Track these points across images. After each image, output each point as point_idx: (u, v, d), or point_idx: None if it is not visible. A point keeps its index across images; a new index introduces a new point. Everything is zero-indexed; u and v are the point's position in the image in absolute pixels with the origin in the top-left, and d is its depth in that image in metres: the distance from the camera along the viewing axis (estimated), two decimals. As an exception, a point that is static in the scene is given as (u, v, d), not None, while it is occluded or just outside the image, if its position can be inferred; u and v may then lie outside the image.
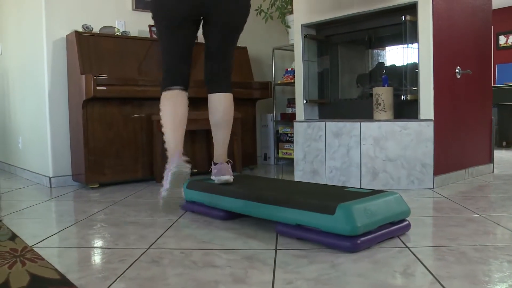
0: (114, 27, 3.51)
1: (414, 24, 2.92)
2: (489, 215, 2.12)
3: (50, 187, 3.36)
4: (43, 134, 3.46)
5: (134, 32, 3.71)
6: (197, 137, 3.72)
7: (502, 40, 8.66)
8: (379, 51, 3.61)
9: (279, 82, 4.32)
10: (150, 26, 3.73)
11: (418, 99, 2.90)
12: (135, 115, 3.41)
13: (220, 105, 2.25)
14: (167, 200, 1.85)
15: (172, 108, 2.05)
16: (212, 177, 2.32)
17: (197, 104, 3.67)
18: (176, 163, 1.85)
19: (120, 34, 3.49)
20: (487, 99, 3.52)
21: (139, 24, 3.76)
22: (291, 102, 4.30)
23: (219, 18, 2.17)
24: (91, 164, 3.21)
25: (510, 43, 8.60)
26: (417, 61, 2.92)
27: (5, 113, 4.53)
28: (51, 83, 3.38)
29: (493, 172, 3.56)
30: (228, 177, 2.24)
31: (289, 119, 4.22)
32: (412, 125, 2.86)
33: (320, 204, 1.68)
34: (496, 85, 6.93)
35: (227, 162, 2.31)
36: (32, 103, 3.71)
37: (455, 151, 3.10)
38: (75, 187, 3.31)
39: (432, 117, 2.85)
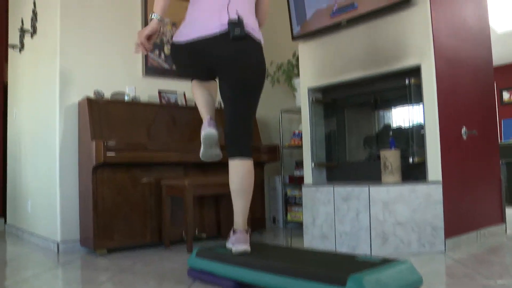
0: (125, 93, 3.59)
1: (419, 87, 2.97)
2: (505, 281, 2.07)
3: (58, 252, 3.33)
4: (53, 198, 3.48)
5: (144, 97, 3.80)
6: (206, 201, 3.71)
7: (506, 95, 8.77)
8: (385, 112, 3.66)
9: (286, 145, 4.36)
10: (159, 91, 3.83)
11: (426, 161, 2.91)
12: (144, 180, 3.42)
13: (239, 172, 2.25)
14: (204, 157, 2.37)
15: (201, 90, 2.47)
16: (230, 245, 2.29)
17: (205, 169, 3.69)
18: (206, 129, 2.28)
19: (130, 99, 3.58)
20: (495, 157, 3.52)
21: (149, 89, 3.86)
22: (299, 164, 4.32)
23: (232, 78, 2.24)
24: (99, 229, 3.20)
25: (514, 98, 8.70)
26: (423, 122, 2.95)
27: (16, 177, 4.58)
28: (62, 148, 3.44)
29: (506, 232, 3.50)
30: (245, 248, 2.20)
31: (297, 182, 4.22)
32: (420, 187, 2.85)
33: (331, 275, 1.66)
34: (503, 142, 6.94)
35: (246, 230, 2.27)
36: (42, 167, 3.75)
37: (465, 212, 3.07)
38: (83, 253, 3.28)
39: (440, 179, 2.84)
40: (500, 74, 8.10)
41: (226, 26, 2.18)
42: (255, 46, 2.26)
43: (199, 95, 2.48)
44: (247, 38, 2.20)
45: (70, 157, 3.46)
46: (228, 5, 2.23)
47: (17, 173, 4.54)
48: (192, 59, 2.32)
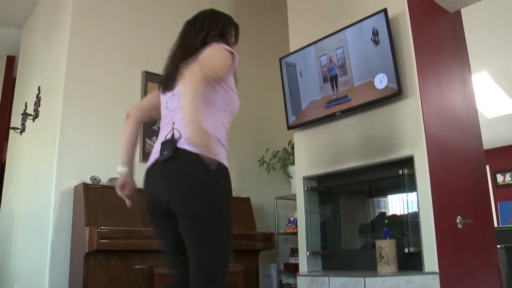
0: (121, 178, 3.61)
1: (412, 176, 3.00)
2: None
3: None
4: (41, 284, 3.39)
5: (140, 183, 3.79)
6: None
7: (500, 178, 8.85)
8: (380, 200, 3.67)
9: (282, 231, 4.33)
10: (156, 177, 3.85)
11: (422, 251, 2.88)
12: (137, 267, 3.37)
13: None
14: None
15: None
16: None
17: None
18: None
19: (127, 185, 3.59)
20: (492, 244, 3.49)
21: (146, 175, 3.89)
22: (294, 251, 4.26)
23: (174, 208, 1.82)
24: (88, 320, 3.11)
25: (507, 181, 8.77)
26: (417, 211, 2.96)
27: (4, 258, 4.49)
28: (55, 232, 3.41)
29: (507, 325, 3.40)
30: None
31: (292, 269, 4.15)
32: (417, 278, 2.80)
33: None
34: (500, 226, 6.92)
35: None
36: (33, 250, 3.70)
37: (465, 304, 3.00)
38: None
39: (437, 270, 2.80)
40: (492, 157, 8.22)
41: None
42: (189, 163, 1.78)
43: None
44: (179, 157, 1.79)
45: (62, 241, 3.42)
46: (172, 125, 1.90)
47: (6, 254, 4.46)
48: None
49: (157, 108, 2.12)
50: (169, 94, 2.00)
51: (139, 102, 2.31)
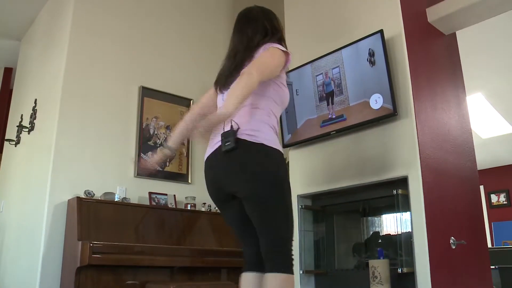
0: (115, 193, 3.61)
1: (407, 196, 3.01)
2: None
3: None
4: (31, 299, 3.36)
5: (134, 198, 3.81)
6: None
7: (494, 198, 8.86)
8: (374, 219, 3.67)
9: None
10: (150, 193, 3.85)
11: (415, 271, 2.87)
12: (129, 282, 3.34)
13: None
14: None
15: None
16: None
17: (193, 274, 3.61)
18: None
19: (120, 200, 3.58)
20: (485, 264, 3.48)
21: (140, 190, 3.88)
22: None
23: (239, 193, 2.04)
24: (77, 336, 3.07)
25: (502, 201, 8.78)
26: (411, 231, 2.95)
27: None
28: (46, 246, 3.38)
29: None
30: None
31: None
32: (410, 300, 2.79)
33: None
34: (494, 246, 6.91)
35: None
36: (24, 264, 3.66)
37: (458, 327, 2.99)
38: None
39: (431, 292, 2.79)
40: (487, 177, 8.25)
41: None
42: (250, 152, 2.01)
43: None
44: (240, 147, 1.99)
45: (54, 255, 3.39)
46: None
47: (-4, 268, 4.43)
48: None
49: (214, 106, 2.32)
50: (226, 92, 2.16)
51: (199, 100, 2.43)
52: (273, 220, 1.99)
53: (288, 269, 1.95)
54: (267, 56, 2.08)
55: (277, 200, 1.99)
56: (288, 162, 3.87)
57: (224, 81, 2.21)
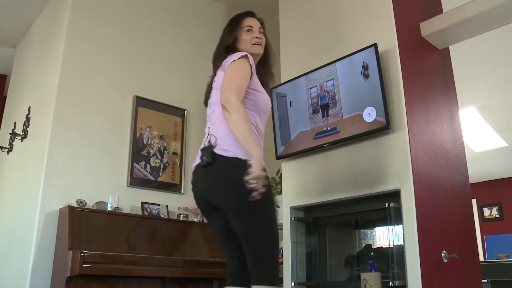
0: (107, 203, 3.60)
1: (399, 209, 3.01)
2: None
3: None
4: (20, 309, 3.33)
5: (126, 208, 3.79)
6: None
7: (487, 212, 8.88)
8: (366, 232, 3.67)
9: (268, 260, 4.29)
10: (142, 202, 3.84)
11: (406, 285, 2.87)
12: (119, 292, 3.32)
13: None
14: None
15: None
16: None
17: (184, 284, 3.59)
18: None
19: (113, 209, 3.57)
20: (477, 278, 3.48)
21: (132, 200, 3.86)
22: (280, 282, 4.23)
23: (221, 207, 2.05)
24: None
25: (494, 215, 8.80)
26: (403, 244, 2.95)
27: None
28: (37, 255, 3.36)
29: None
30: None
31: (277, 299, 4.10)
32: (402, 314, 2.79)
33: None
34: (486, 260, 6.92)
35: None
36: (13, 273, 3.63)
37: None
38: None
39: (422, 306, 2.79)
40: (480, 191, 8.28)
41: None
42: (226, 167, 2.01)
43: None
44: (216, 162, 2.01)
45: (44, 265, 3.36)
46: (208, 131, 2.15)
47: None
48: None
49: None
50: (208, 106, 2.27)
51: None
52: (254, 233, 2.00)
53: (272, 282, 1.96)
54: (233, 74, 2.09)
55: (257, 213, 1.98)
56: (281, 174, 3.88)
57: (206, 99, 2.34)
